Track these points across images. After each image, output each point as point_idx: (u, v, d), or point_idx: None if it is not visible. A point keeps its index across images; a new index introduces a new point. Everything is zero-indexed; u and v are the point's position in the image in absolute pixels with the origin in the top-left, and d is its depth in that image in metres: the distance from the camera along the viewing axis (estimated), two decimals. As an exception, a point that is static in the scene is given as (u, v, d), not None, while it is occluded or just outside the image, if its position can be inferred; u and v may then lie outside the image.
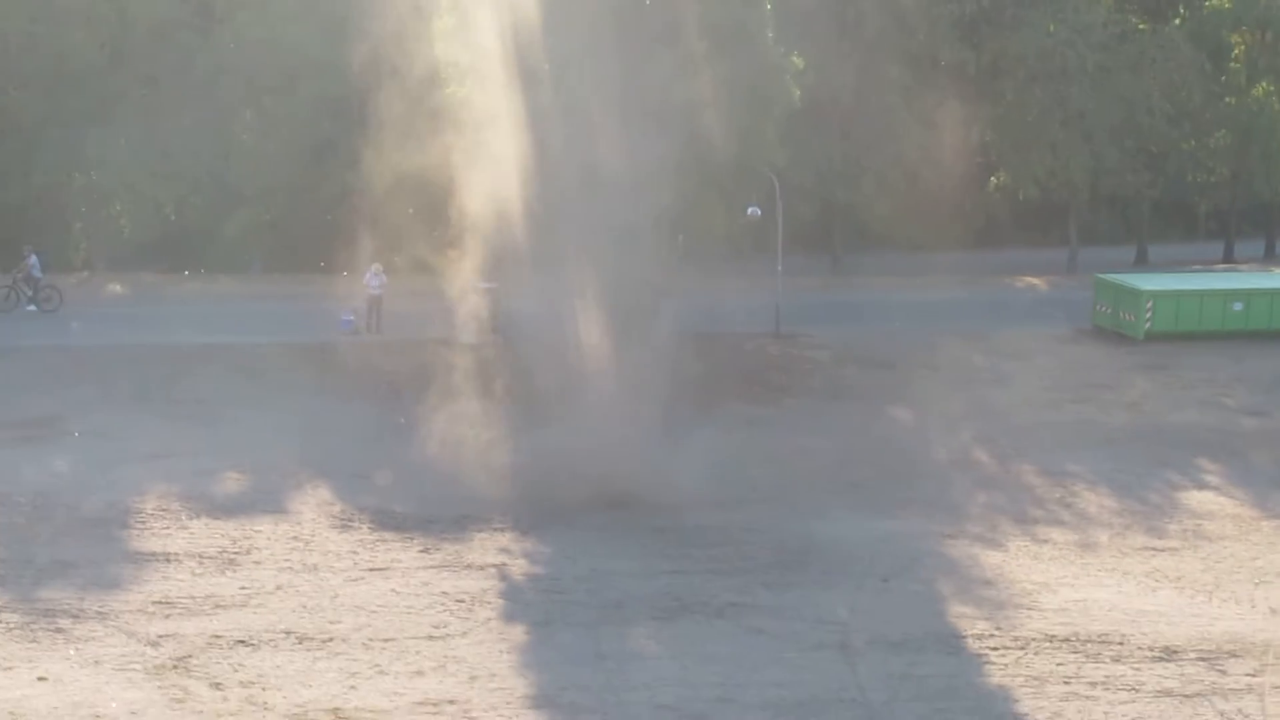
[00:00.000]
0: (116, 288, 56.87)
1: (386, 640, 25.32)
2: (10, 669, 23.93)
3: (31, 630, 25.46)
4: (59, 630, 25.51)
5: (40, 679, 23.61)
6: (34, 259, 52.77)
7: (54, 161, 56.69)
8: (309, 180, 54.00)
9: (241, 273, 56.76)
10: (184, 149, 54.72)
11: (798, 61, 45.40)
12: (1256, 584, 29.49)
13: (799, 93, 45.91)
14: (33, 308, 52.48)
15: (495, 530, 31.30)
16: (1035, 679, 24.54)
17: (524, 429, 37.60)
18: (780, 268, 51.58)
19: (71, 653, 24.62)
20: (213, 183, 55.50)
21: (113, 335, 47.24)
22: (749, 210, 47.99)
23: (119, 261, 59.66)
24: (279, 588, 27.75)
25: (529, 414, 39.74)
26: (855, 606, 27.23)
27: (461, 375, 37.45)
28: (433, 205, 36.06)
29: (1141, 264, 66.84)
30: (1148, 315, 50.11)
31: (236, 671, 24.07)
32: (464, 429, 35.74)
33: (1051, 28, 64.56)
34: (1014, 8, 66.34)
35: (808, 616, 26.75)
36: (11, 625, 25.62)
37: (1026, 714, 23.50)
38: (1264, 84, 67.59)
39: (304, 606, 26.85)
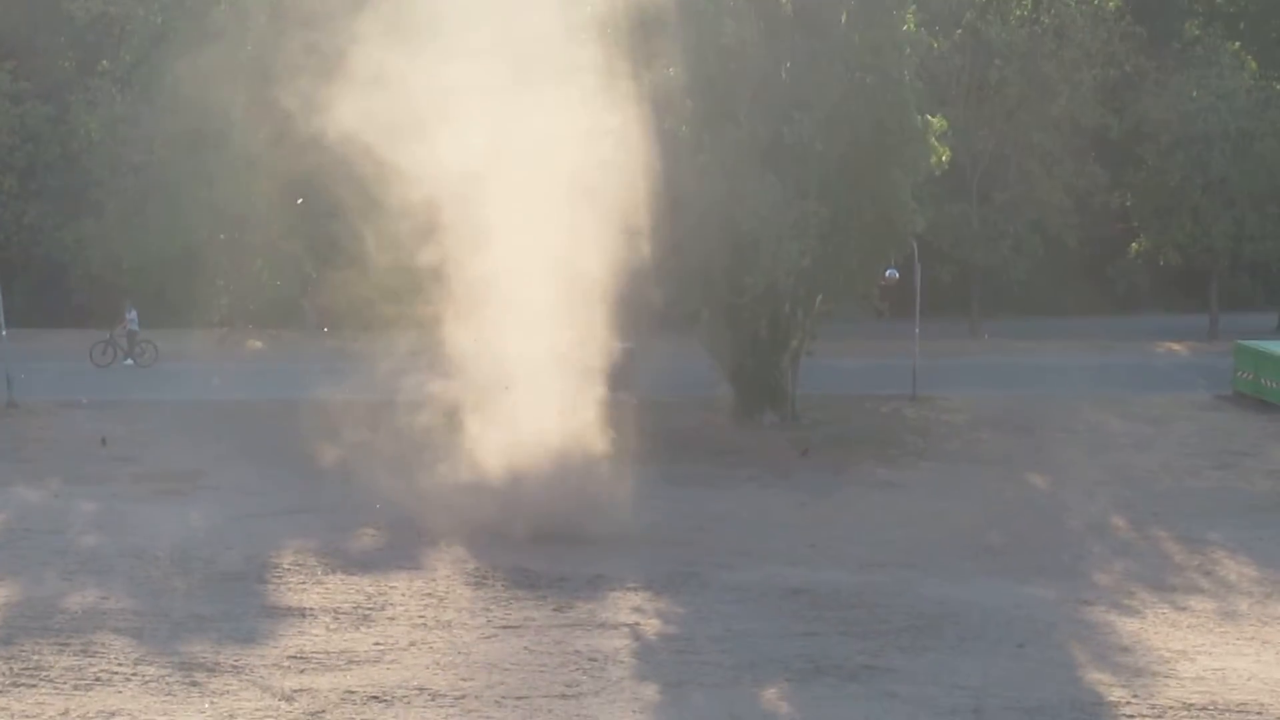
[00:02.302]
0: (257, 344, 57.58)
1: (519, 698, 25.14)
2: (146, 722, 24.08)
3: (167, 684, 25.52)
4: (194, 684, 25.54)
5: (175, 732, 23.74)
6: (133, 314, 53.58)
7: (198, 219, 57.54)
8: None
9: (381, 330, 57.21)
10: (325, 208, 55.30)
11: (941, 122, 45.07)
12: (1402, 656, 28.72)
13: (947, 154, 45.50)
14: (129, 362, 53.24)
15: (629, 589, 31.05)
16: (1174, 748, 24.04)
17: (660, 488, 37.58)
18: (918, 330, 51.27)
19: (206, 706, 24.63)
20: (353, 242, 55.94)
21: (251, 390, 47.78)
22: (887, 272, 47.75)
23: (260, 318, 60.44)
24: (413, 644, 27.67)
25: (664, 473, 39.73)
26: (990, 672, 26.76)
27: (599, 433, 37.43)
28: (569, 263, 36.03)
29: (1283, 330, 65.89)
30: (1290, 382, 49.41)
31: (370, 727, 24.04)
32: (600, 488, 35.67)
33: (1194, 94, 63.99)
34: (1157, 73, 65.93)
35: (942, 681, 26.30)
36: (148, 678, 25.70)
37: (1164, 784, 23.02)
38: None
39: (437, 663, 26.75)
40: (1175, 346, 63.56)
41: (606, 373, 48.76)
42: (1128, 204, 68.98)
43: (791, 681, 26.33)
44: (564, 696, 25.40)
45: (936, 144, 45.15)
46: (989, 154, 65.02)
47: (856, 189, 44.15)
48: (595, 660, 27.08)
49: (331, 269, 51.95)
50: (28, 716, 24.10)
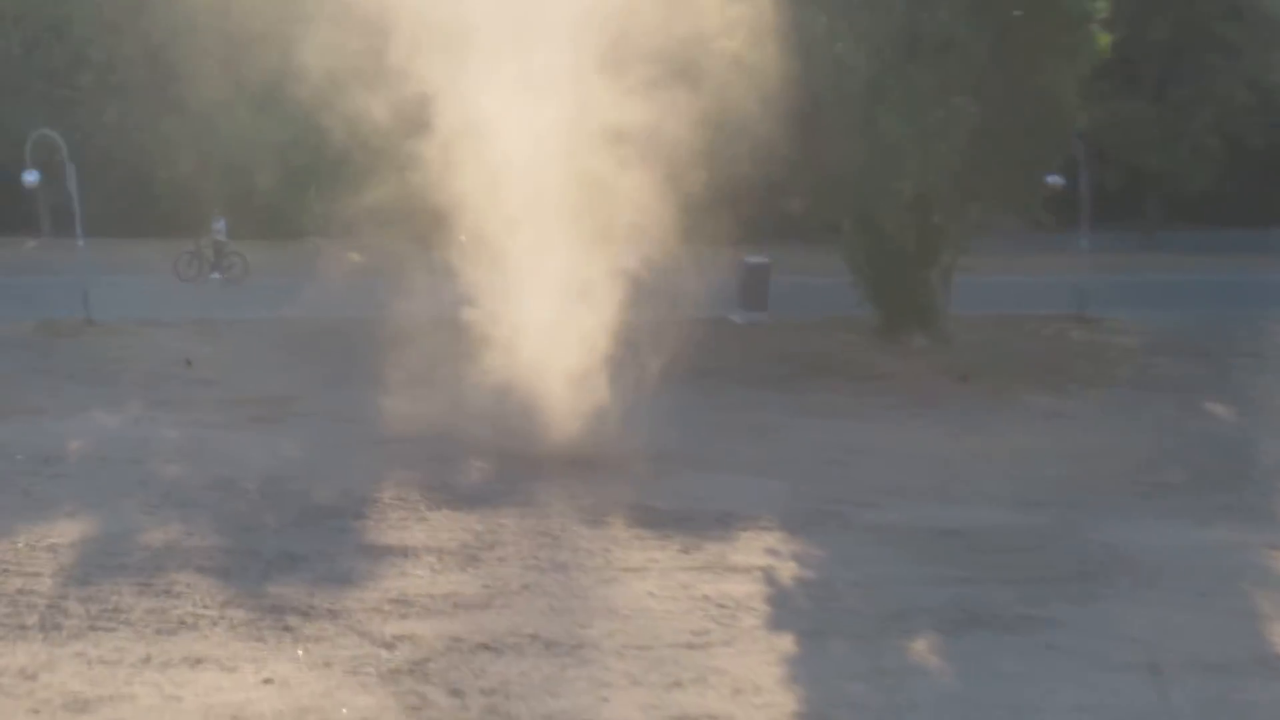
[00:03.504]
0: (355, 256, 57.70)
1: (641, 648, 25.03)
2: (234, 669, 24.05)
3: (257, 628, 25.57)
4: (287, 629, 25.59)
5: (266, 681, 23.69)
6: (221, 224, 53.75)
7: (290, 121, 57.62)
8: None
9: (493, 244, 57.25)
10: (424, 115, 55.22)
11: (1104, 4, 44.23)
12: None
13: (1108, 39, 44.69)
14: (217, 276, 53.50)
15: (762, 529, 30.88)
16: (1374, 710, 23.59)
17: (796, 418, 37.31)
18: (1084, 243, 50.68)
19: (300, 653, 24.69)
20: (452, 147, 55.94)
21: (350, 307, 47.86)
22: (1049, 179, 47.14)
23: (359, 228, 60.49)
24: (525, 587, 27.61)
25: (800, 402, 39.50)
26: (1166, 624, 26.40)
27: (729, 357, 37.29)
28: (693, 174, 35.71)
29: None
30: None
31: (478, 678, 23.95)
32: (730, 416, 35.49)
33: (1397, -24, 62.76)
34: (1354, -46, 64.70)
35: (1112, 633, 25.98)
36: (236, 622, 25.76)
37: (1363, 749, 22.62)
38: None
39: (552, 608, 26.67)
40: (1374, 261, 62.60)
41: (738, 290, 48.80)
42: (1321, 101, 67.81)
43: (942, 632, 26.10)
44: (691, 646, 25.28)
45: (1098, 30, 44.42)
46: (1164, 46, 64.01)
47: (1012, 83, 43.53)
48: (725, 607, 26.94)
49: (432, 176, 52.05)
50: (106, 662, 24.22)
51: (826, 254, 48.99)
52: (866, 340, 47.73)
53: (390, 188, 58.04)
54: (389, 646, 25.17)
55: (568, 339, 35.22)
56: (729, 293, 49.11)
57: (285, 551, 29.29)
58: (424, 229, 52.93)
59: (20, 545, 28.88)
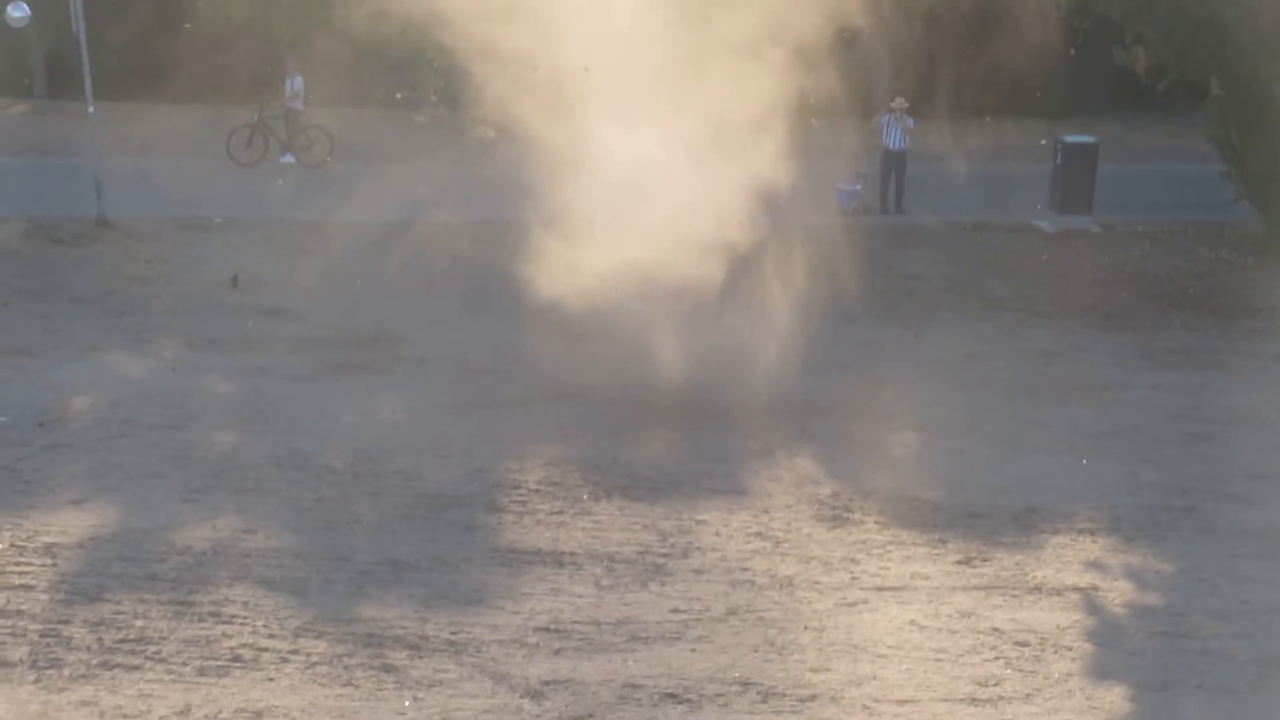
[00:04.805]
0: (489, 132, 57.90)
1: (903, 701, 25.04)
2: (312, 727, 24.23)
3: (346, 667, 25.67)
4: (388, 668, 25.67)
5: (359, 744, 23.90)
6: (297, 83, 53.58)
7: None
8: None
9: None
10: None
11: None
12: None
13: None
14: (289, 158, 53.47)
15: (1080, 532, 30.75)
16: None
17: (1135, 369, 37.10)
18: None
19: (407, 704, 24.81)
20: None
21: (479, 206, 47.87)
22: None
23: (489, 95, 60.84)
24: (731, 613, 27.61)
25: (1140, 345, 39.24)
26: None
27: (1035, 280, 37.01)
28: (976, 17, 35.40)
29: None
30: None
31: (664, 744, 24.05)
32: (1036, 367, 35.23)
33: None
34: None
35: None
36: (314, 658, 25.79)
37: None
38: None
39: (770, 644, 26.63)
40: None
41: (1050, 184, 48.58)
42: None
43: (1359, 687, 25.88)
44: (974, 701, 25.24)
45: None
46: None
47: None
48: (1025, 645, 26.83)
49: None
50: (126, 716, 24.34)
51: (1181, 130, 48.60)
52: (1243, 258, 47.30)
53: (542, 36, 58.50)
54: (536, 696, 25.25)
55: (794, 252, 35.16)
56: (1035, 187, 48.70)
57: (386, 557, 29.45)
58: (582, 103, 53.25)
59: (4, 546, 29.22)
